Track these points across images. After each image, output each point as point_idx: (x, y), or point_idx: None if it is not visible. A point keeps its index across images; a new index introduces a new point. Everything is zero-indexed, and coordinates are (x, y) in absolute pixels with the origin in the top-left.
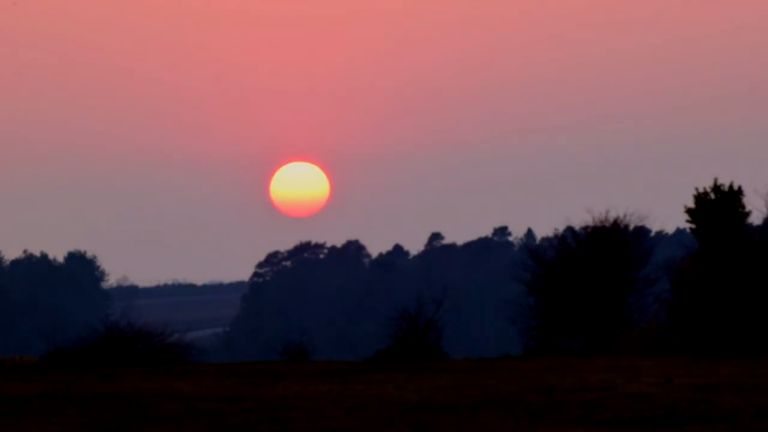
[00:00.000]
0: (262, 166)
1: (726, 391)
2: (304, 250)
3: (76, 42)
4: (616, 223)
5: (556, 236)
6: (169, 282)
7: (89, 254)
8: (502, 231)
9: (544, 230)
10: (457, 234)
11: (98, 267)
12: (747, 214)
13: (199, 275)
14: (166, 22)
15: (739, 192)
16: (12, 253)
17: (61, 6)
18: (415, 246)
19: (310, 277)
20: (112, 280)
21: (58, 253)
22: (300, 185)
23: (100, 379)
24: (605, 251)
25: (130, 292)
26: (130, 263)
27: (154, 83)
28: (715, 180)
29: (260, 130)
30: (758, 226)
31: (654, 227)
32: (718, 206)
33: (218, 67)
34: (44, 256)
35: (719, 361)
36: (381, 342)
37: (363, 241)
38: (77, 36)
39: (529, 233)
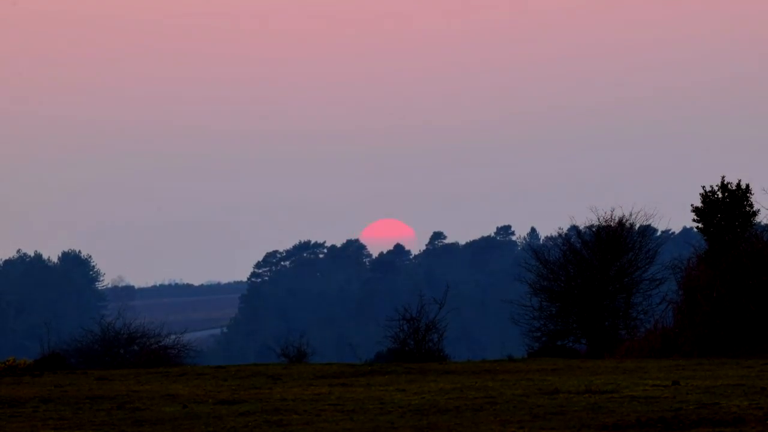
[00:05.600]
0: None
1: (734, 393)
2: (303, 249)
3: (76, 41)
4: (621, 223)
5: (560, 235)
6: (166, 282)
7: (84, 254)
8: (505, 230)
9: (547, 229)
10: (459, 233)
11: (93, 267)
12: (755, 213)
13: (197, 275)
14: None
15: (747, 190)
16: (5, 253)
17: (60, 6)
18: (416, 245)
19: (309, 277)
20: (107, 281)
21: (52, 253)
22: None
23: (95, 381)
24: (610, 251)
25: (125, 292)
26: (126, 263)
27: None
28: (723, 178)
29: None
30: (766, 225)
31: (660, 226)
32: (725, 205)
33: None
34: (38, 256)
35: (727, 363)
36: (381, 343)
37: (363, 241)
38: (79, 35)
39: (533, 232)
